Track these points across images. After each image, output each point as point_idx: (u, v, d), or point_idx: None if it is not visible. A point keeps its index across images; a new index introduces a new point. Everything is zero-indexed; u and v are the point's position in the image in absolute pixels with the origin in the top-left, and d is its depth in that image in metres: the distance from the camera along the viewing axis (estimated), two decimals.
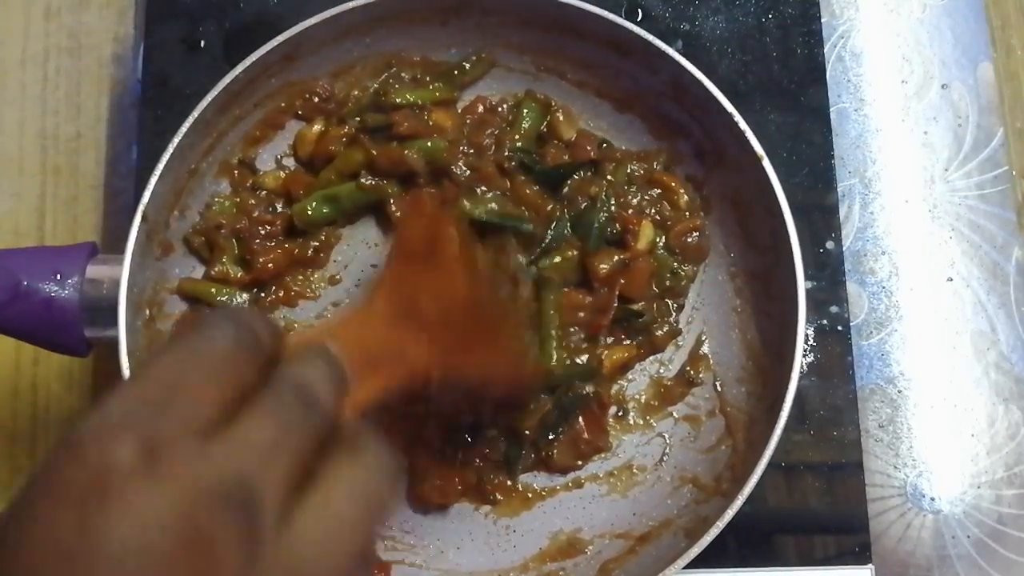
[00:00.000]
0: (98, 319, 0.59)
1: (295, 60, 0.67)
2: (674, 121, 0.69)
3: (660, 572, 0.58)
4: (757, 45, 0.74)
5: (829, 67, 0.76)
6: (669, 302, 0.68)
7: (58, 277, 0.59)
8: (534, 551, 0.65)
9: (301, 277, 0.68)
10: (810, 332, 0.68)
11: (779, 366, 0.62)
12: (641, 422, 0.67)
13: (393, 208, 0.68)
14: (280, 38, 0.64)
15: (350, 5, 0.65)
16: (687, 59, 0.65)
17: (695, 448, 0.66)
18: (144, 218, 0.61)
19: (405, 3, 0.67)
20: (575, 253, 0.67)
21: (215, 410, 0.32)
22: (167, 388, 0.32)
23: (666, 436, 0.67)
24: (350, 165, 0.68)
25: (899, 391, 0.71)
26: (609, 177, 0.69)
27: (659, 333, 0.67)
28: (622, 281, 0.66)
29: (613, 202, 0.68)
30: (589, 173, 0.69)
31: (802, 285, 0.62)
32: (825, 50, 0.75)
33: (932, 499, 0.69)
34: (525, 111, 0.70)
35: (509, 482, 0.65)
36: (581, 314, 0.66)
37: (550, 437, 0.65)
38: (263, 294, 0.68)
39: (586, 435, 0.65)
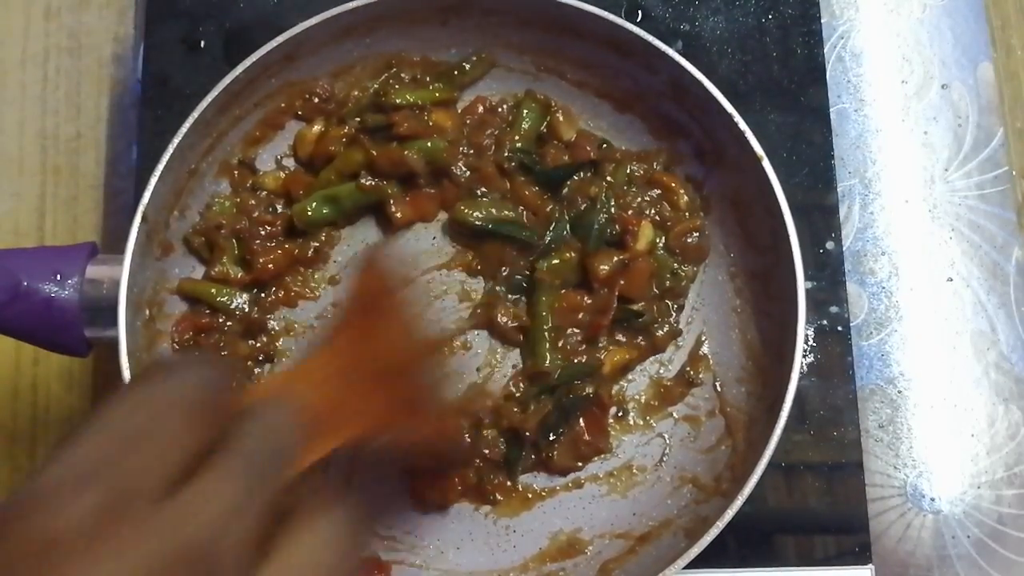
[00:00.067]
0: (98, 319, 0.59)
1: (295, 60, 0.67)
2: (674, 121, 0.69)
3: (660, 572, 0.58)
4: (757, 45, 0.74)
5: (829, 67, 0.76)
6: (669, 302, 0.68)
7: (58, 277, 0.59)
8: (534, 551, 0.65)
9: (301, 277, 0.68)
10: (810, 332, 0.68)
11: (779, 366, 0.62)
12: (641, 422, 0.67)
13: (393, 209, 0.68)
14: (280, 38, 0.64)
15: (350, 5, 0.65)
16: (687, 59, 0.65)
17: (695, 448, 0.66)
18: (144, 218, 0.61)
19: (405, 3, 0.67)
20: (575, 254, 0.67)
21: (172, 469, 0.30)
22: (121, 446, 0.30)
23: (666, 436, 0.67)
24: (350, 165, 0.68)
25: (899, 391, 0.71)
26: (609, 178, 0.69)
27: (659, 333, 0.67)
28: (622, 282, 0.66)
29: (613, 203, 0.68)
30: (589, 174, 0.69)
31: (802, 285, 0.62)
32: (825, 50, 0.75)
33: (932, 499, 0.69)
34: (525, 111, 0.70)
35: (509, 482, 0.65)
36: (581, 315, 0.66)
37: (550, 438, 0.65)
38: (263, 294, 0.68)
39: (586, 436, 0.65)
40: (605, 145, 0.71)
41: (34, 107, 0.77)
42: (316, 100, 0.70)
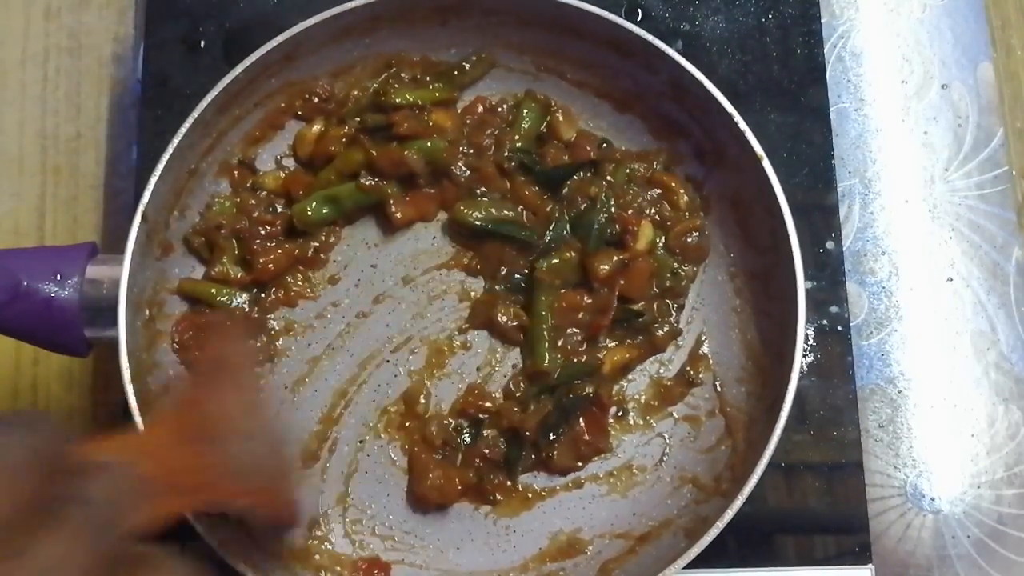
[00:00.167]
0: (98, 319, 0.59)
1: (295, 60, 0.67)
2: (674, 121, 0.69)
3: (660, 572, 0.58)
4: (757, 45, 0.74)
5: (829, 67, 0.76)
6: (669, 302, 0.68)
7: (58, 277, 0.59)
8: (534, 551, 0.65)
9: (301, 277, 0.69)
10: (810, 332, 0.68)
11: (779, 366, 0.62)
12: (641, 422, 0.67)
13: (393, 209, 0.68)
14: (280, 38, 0.64)
15: (350, 5, 0.65)
16: (687, 59, 0.65)
17: (695, 448, 0.66)
18: (144, 218, 0.61)
19: (405, 3, 0.67)
20: (575, 254, 0.67)
21: (7, 525, 0.31)
22: None
23: (666, 436, 0.67)
24: (350, 165, 0.68)
25: (899, 391, 0.71)
26: (609, 177, 0.69)
27: (659, 333, 0.67)
28: (622, 281, 0.66)
29: (613, 202, 0.68)
30: (589, 173, 0.69)
31: (802, 285, 0.62)
32: (825, 50, 0.75)
33: (932, 499, 0.69)
34: (525, 111, 0.70)
35: (509, 482, 0.65)
36: (581, 315, 0.66)
37: (550, 438, 0.65)
38: (263, 294, 0.68)
39: (586, 436, 0.65)
40: (605, 145, 0.71)
41: (34, 107, 0.77)
42: (316, 100, 0.70)
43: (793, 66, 0.74)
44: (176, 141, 0.62)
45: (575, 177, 0.69)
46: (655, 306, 0.68)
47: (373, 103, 0.69)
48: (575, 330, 0.67)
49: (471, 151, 0.69)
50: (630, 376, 0.68)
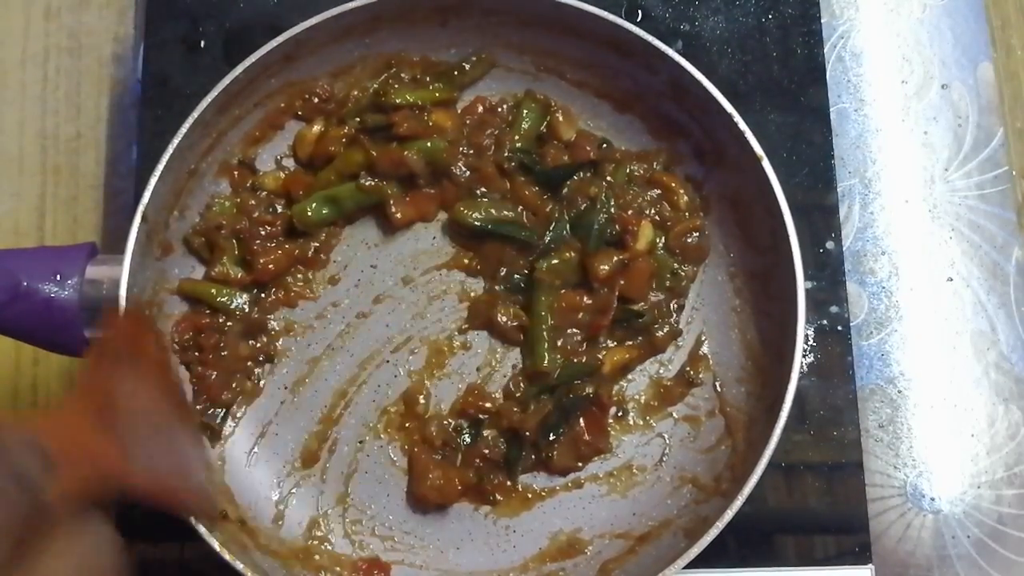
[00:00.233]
0: (98, 319, 0.59)
1: (295, 60, 0.67)
2: (674, 121, 0.69)
3: (660, 572, 0.58)
4: (757, 45, 0.74)
5: (829, 67, 0.76)
6: (669, 302, 0.68)
7: (58, 278, 0.59)
8: (534, 551, 0.65)
9: (301, 277, 0.68)
10: (810, 332, 0.68)
11: (779, 366, 0.62)
12: (641, 422, 0.67)
13: (393, 209, 0.68)
14: (280, 38, 0.64)
15: (350, 5, 0.65)
16: (687, 59, 0.65)
17: (695, 448, 0.66)
18: (144, 218, 0.61)
19: (405, 3, 0.67)
20: (575, 254, 0.67)
21: None
22: None
23: (666, 436, 0.67)
24: (350, 166, 0.68)
25: (899, 391, 0.71)
26: (609, 178, 0.69)
27: (659, 333, 0.67)
28: (622, 282, 0.66)
29: (613, 202, 0.68)
30: (589, 174, 0.69)
31: (801, 285, 0.62)
32: (825, 50, 0.75)
33: (932, 499, 0.69)
34: (525, 111, 0.70)
35: (509, 482, 0.65)
36: (581, 315, 0.66)
37: (550, 438, 0.65)
38: (263, 294, 0.68)
39: (586, 436, 0.65)
40: (605, 145, 0.71)
41: (34, 107, 0.77)
42: (316, 100, 0.70)
43: (793, 66, 0.74)
44: (176, 141, 0.62)
45: (575, 177, 0.68)
46: (655, 306, 0.68)
47: (373, 103, 0.69)
48: (575, 330, 0.67)
49: (471, 151, 0.69)
50: (630, 376, 0.68)
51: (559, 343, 0.66)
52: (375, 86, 0.70)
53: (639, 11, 0.75)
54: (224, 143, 0.68)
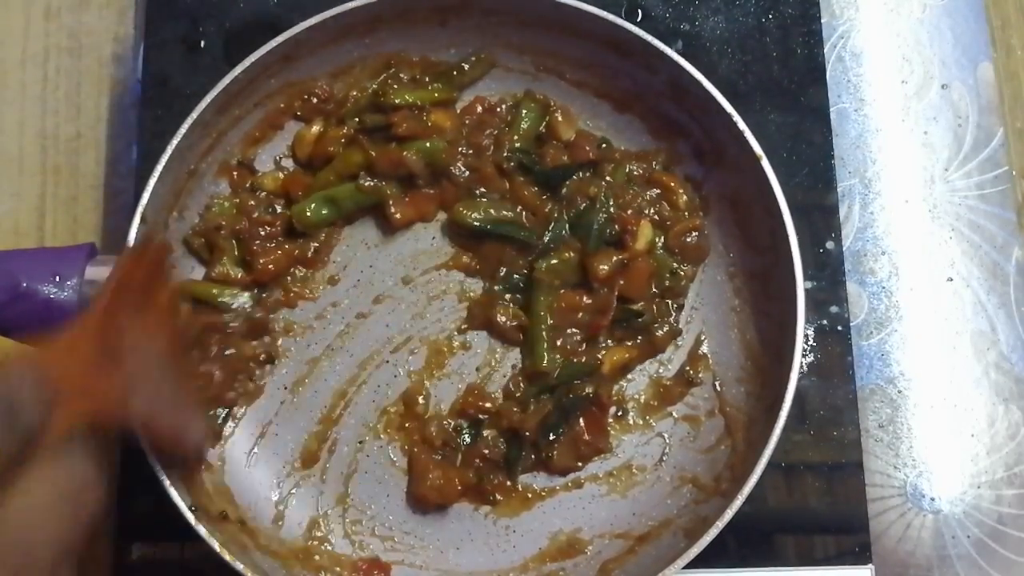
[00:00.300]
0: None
1: (294, 60, 0.67)
2: (673, 121, 0.69)
3: (660, 572, 0.58)
4: (757, 45, 0.74)
5: (829, 67, 0.76)
6: (668, 302, 0.68)
7: (57, 278, 0.59)
8: (534, 551, 0.65)
9: (301, 278, 0.69)
10: (810, 332, 0.68)
11: (778, 366, 0.62)
12: (641, 422, 0.67)
13: (392, 209, 0.68)
14: (280, 38, 0.64)
15: (350, 5, 0.65)
16: (687, 59, 0.65)
17: (695, 448, 0.66)
18: (143, 219, 0.62)
19: (405, 3, 0.67)
20: (574, 254, 0.67)
21: None
22: None
23: (666, 436, 0.67)
24: (349, 166, 0.68)
25: (899, 391, 0.71)
26: (608, 177, 0.69)
27: (659, 333, 0.67)
28: (621, 281, 0.66)
29: (612, 202, 0.68)
30: (588, 173, 0.69)
31: (801, 285, 0.62)
32: (825, 50, 0.75)
33: (932, 499, 0.69)
34: (524, 111, 0.70)
35: (509, 482, 0.65)
36: (580, 315, 0.66)
37: (550, 438, 0.65)
38: (263, 295, 0.68)
39: (586, 436, 0.65)
40: (604, 145, 0.70)
41: (34, 107, 0.77)
42: (315, 100, 0.70)
43: (793, 66, 0.74)
44: (176, 141, 0.62)
45: (574, 177, 0.69)
46: (654, 306, 0.68)
47: (372, 103, 0.69)
48: (574, 330, 0.67)
49: (470, 151, 0.69)
50: (630, 376, 0.68)
51: (558, 343, 0.66)
52: (374, 86, 0.70)
53: (639, 11, 0.75)
54: (224, 143, 0.68)
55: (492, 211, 0.68)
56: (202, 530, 0.57)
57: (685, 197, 0.69)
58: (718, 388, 0.67)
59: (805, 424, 0.67)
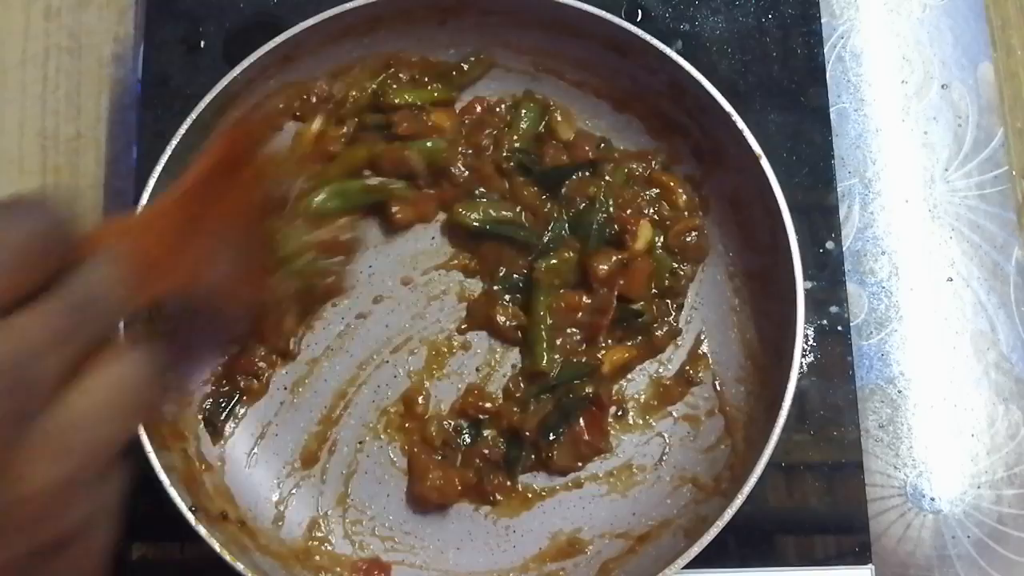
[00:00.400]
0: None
1: (294, 60, 0.67)
2: (673, 121, 0.69)
3: (660, 572, 0.58)
4: (757, 45, 0.74)
5: (829, 67, 0.76)
6: (668, 302, 0.68)
7: None
8: (534, 551, 0.65)
9: None
10: (810, 332, 0.68)
11: (778, 366, 0.62)
12: (641, 422, 0.67)
13: (394, 209, 0.68)
14: (279, 38, 0.64)
15: (349, 5, 0.65)
16: (687, 59, 0.65)
17: (695, 448, 0.66)
18: None
19: (404, 3, 0.67)
20: (574, 254, 0.67)
21: (3, 298, 0.34)
22: None
23: (666, 436, 0.67)
24: (353, 163, 0.68)
25: (899, 391, 0.71)
26: (608, 177, 0.69)
27: (659, 333, 0.67)
28: (621, 281, 0.66)
29: (612, 202, 0.68)
30: (588, 173, 0.69)
31: (801, 285, 0.62)
32: (825, 50, 0.75)
33: (932, 499, 0.69)
34: (523, 111, 0.70)
35: (509, 482, 0.65)
36: (580, 315, 0.66)
37: (550, 438, 0.65)
38: None
39: (586, 436, 0.65)
40: (604, 145, 0.71)
41: (34, 107, 0.77)
42: (315, 100, 0.70)
43: (793, 66, 0.74)
44: (175, 141, 0.62)
45: (574, 177, 0.69)
46: (654, 306, 0.68)
47: (372, 103, 0.69)
48: (574, 330, 0.67)
49: (470, 151, 0.69)
50: (630, 376, 0.68)
51: (558, 343, 0.66)
52: (374, 86, 0.70)
53: (639, 11, 0.75)
54: None
55: (491, 211, 0.68)
56: (202, 530, 0.57)
57: (685, 197, 0.69)
58: (718, 388, 0.67)
59: (805, 424, 0.67)
